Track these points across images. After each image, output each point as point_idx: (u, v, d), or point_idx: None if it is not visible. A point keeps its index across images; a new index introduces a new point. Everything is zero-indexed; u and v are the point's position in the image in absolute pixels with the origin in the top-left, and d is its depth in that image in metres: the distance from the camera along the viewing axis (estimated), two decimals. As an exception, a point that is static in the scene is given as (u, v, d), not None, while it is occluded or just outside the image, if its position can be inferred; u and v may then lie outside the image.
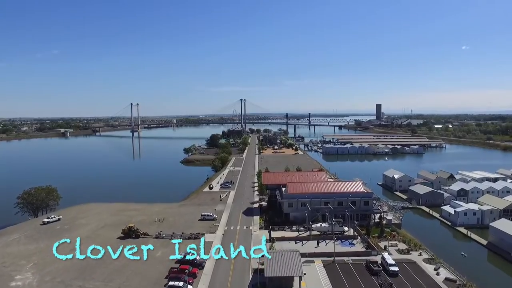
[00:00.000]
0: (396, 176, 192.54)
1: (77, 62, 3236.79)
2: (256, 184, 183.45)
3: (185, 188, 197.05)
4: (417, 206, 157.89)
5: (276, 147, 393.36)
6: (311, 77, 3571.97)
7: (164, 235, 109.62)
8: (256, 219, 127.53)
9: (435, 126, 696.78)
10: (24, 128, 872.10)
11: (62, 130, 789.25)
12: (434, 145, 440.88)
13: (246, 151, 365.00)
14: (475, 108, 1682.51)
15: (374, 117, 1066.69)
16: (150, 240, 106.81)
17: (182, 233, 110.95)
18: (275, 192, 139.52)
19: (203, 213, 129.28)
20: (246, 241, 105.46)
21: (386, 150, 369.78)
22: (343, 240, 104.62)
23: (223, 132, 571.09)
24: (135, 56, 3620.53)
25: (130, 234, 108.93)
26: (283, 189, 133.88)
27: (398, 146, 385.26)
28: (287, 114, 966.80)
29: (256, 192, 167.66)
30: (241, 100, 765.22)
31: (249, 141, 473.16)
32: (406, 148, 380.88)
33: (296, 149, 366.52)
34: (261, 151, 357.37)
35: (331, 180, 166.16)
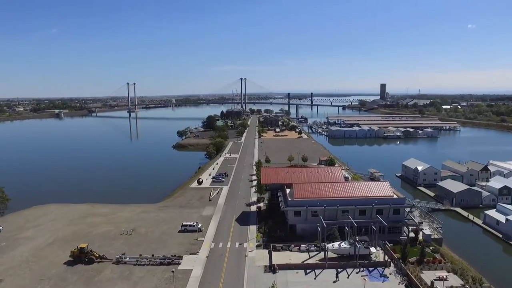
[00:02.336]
0: (419, 168, 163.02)
1: (77, 41, 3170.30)
2: (255, 178, 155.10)
3: (172, 180, 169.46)
4: (451, 208, 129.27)
5: (277, 129, 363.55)
6: (312, 56, 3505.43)
7: (127, 259, 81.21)
8: (252, 230, 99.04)
9: (443, 106, 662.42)
10: (19, 109, 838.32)
11: (57, 111, 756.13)
12: (447, 127, 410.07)
13: (245, 134, 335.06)
14: (479, 88, 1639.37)
15: (378, 97, 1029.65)
16: (108, 266, 78.99)
17: (153, 255, 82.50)
18: (277, 193, 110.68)
19: (184, 223, 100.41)
20: (238, 267, 77.65)
21: (398, 134, 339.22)
22: (370, 269, 76.22)
23: (222, 112, 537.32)
24: (136, 35, 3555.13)
25: (81, 258, 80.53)
26: (288, 190, 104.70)
27: (411, 129, 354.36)
28: (288, 93, 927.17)
29: (254, 189, 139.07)
30: (241, 79, 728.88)
31: (248, 122, 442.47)
32: (419, 131, 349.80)
33: (300, 132, 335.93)
34: (262, 134, 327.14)
35: (348, 178, 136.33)
